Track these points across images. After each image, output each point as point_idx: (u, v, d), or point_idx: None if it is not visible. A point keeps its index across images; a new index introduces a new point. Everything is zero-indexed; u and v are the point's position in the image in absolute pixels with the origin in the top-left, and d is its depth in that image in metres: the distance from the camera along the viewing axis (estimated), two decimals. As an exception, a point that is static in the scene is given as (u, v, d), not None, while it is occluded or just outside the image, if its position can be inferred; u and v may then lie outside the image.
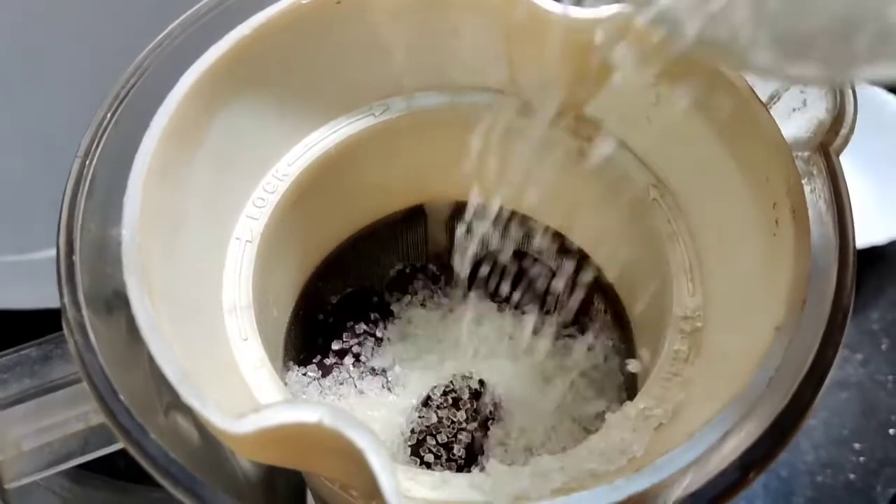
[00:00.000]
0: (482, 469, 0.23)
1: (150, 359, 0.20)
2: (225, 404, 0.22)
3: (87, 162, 0.24)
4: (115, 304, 0.23)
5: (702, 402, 0.24)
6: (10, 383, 0.24)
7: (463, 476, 0.22)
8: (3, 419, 0.24)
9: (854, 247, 0.23)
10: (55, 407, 0.24)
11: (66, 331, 0.22)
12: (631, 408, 0.24)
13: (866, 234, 0.52)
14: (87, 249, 0.23)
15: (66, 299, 0.22)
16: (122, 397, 0.21)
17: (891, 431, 0.50)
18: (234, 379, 0.24)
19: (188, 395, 0.20)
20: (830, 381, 0.21)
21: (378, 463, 0.18)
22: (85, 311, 0.22)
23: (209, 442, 0.22)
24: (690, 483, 0.20)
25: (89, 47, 0.43)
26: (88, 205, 0.24)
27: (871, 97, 0.58)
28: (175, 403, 0.21)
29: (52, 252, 0.42)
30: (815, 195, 0.24)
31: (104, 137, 0.25)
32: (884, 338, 0.53)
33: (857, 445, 0.49)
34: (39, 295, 0.42)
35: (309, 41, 0.28)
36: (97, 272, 0.23)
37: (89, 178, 0.24)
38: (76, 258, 0.23)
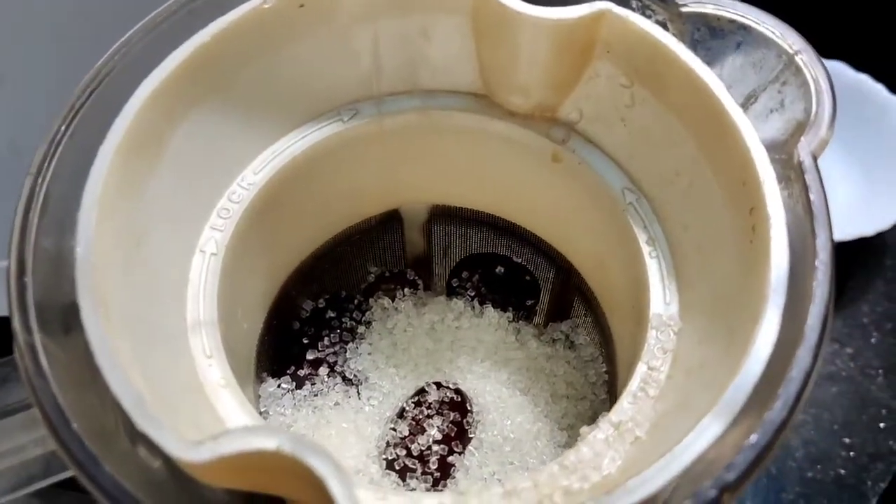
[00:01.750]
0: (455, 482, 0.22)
1: (109, 382, 0.20)
2: (188, 427, 0.22)
3: (40, 178, 0.23)
4: (73, 324, 0.22)
5: (680, 414, 0.23)
6: (-36, 408, 0.23)
7: (433, 496, 0.21)
8: (-42, 446, 0.23)
9: (833, 256, 0.22)
10: (13, 431, 0.23)
11: (16, 356, 0.21)
12: (605, 421, 0.23)
13: (854, 225, 0.51)
14: (42, 268, 0.23)
15: (17, 322, 0.21)
16: (74, 426, 0.20)
17: (881, 425, 0.49)
18: (199, 399, 0.24)
19: (142, 423, 0.19)
20: (812, 389, 0.20)
21: (339, 490, 0.18)
22: (37, 335, 0.21)
23: (173, 466, 0.22)
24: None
25: (53, 50, 0.42)
26: (42, 222, 0.23)
27: (857, 86, 0.58)
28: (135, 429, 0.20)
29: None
30: (792, 199, 0.23)
31: (58, 151, 0.24)
32: (874, 331, 0.53)
33: (846, 440, 0.49)
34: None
35: (272, 46, 0.27)
36: (53, 291, 0.23)
37: (43, 193, 0.23)
38: (28, 279, 0.22)
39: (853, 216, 0.53)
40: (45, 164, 0.23)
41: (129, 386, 0.20)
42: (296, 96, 0.28)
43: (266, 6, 0.26)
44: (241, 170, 0.28)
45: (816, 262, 0.22)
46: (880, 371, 0.51)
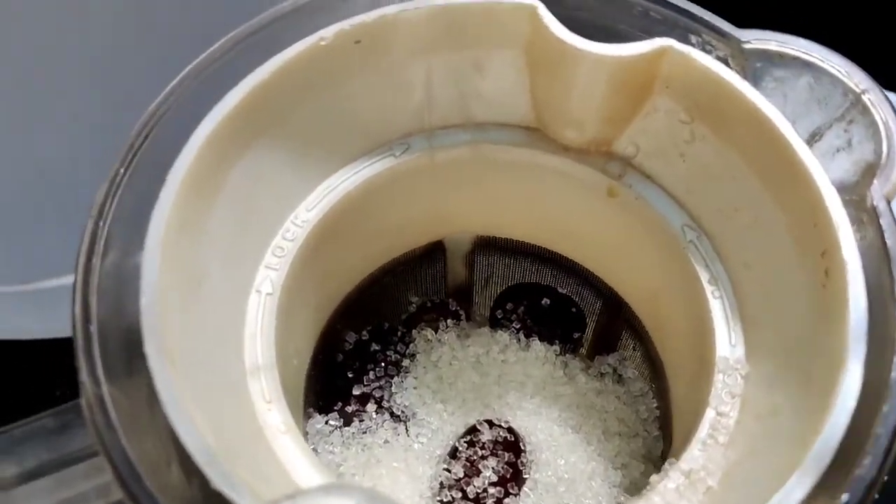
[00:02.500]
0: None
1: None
2: (251, 474, 0.21)
3: (101, 221, 0.23)
4: (136, 366, 0.21)
5: (752, 463, 0.22)
6: (25, 457, 0.23)
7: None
8: (18, 497, 0.22)
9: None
10: (74, 480, 0.23)
11: (84, 408, 0.20)
12: (675, 470, 0.23)
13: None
14: (106, 310, 0.22)
15: (85, 373, 0.21)
16: (147, 483, 0.19)
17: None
18: (260, 445, 0.23)
19: (219, 482, 0.19)
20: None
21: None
22: (104, 386, 0.21)
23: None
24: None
25: (100, 77, 0.42)
26: (104, 266, 0.23)
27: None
28: (192, 469, 0.20)
29: (57, 281, 0.41)
30: (865, 243, 0.23)
31: (118, 194, 0.23)
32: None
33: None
34: (45, 325, 0.41)
35: (328, 82, 0.26)
36: (116, 332, 0.22)
37: (104, 237, 0.23)
38: (93, 328, 0.21)
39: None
40: (107, 206, 0.23)
41: (202, 441, 0.19)
42: (349, 132, 0.28)
43: (322, 43, 0.25)
44: (294, 207, 0.27)
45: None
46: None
